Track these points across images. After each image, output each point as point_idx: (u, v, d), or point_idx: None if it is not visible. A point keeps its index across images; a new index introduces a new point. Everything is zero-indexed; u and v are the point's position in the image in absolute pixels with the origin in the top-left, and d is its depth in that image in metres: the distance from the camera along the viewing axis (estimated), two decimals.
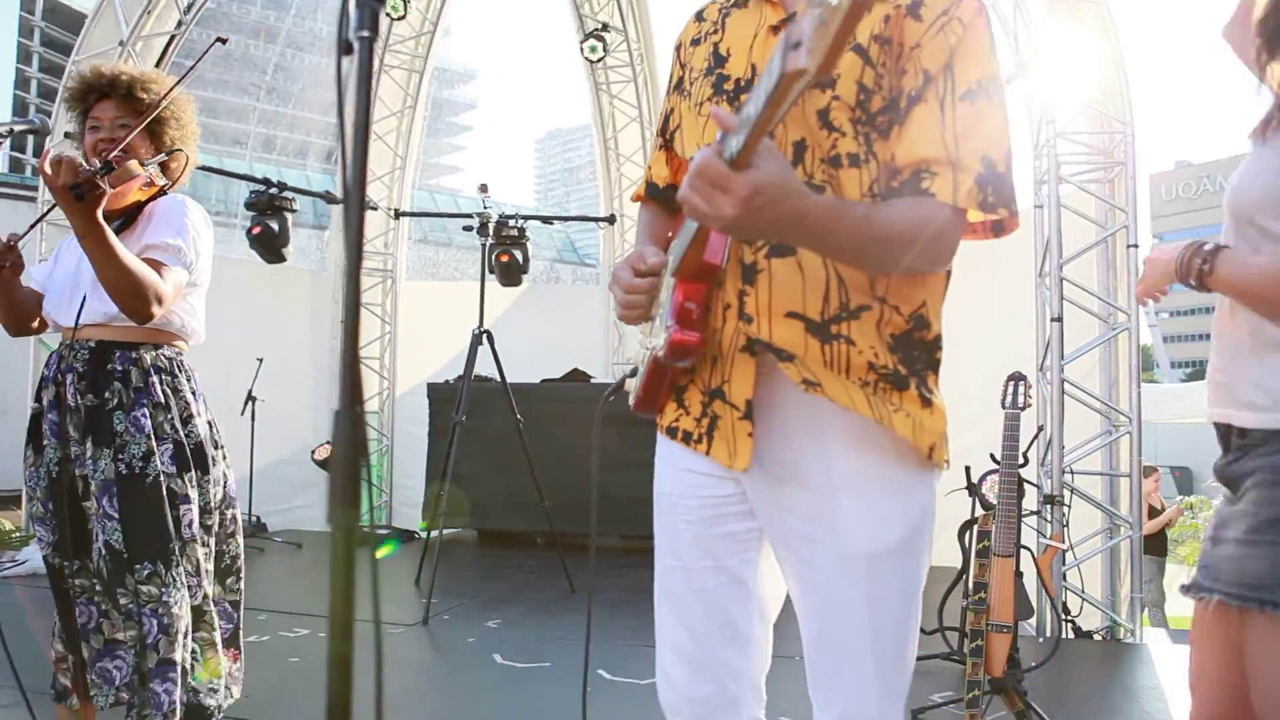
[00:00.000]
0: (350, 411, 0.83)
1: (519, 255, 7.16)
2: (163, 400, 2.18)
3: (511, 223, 7.12)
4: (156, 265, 2.11)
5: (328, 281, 7.99)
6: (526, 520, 5.99)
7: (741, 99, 1.27)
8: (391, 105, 7.89)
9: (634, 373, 1.41)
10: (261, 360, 6.64)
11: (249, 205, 6.94)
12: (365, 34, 0.84)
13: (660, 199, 1.52)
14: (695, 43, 1.42)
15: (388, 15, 6.91)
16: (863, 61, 1.19)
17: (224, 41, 2.47)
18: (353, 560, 0.83)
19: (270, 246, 6.85)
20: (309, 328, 7.82)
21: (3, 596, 4.81)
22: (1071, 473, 4.16)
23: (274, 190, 6.86)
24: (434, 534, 5.29)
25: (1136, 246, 4.18)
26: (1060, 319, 4.16)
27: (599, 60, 7.36)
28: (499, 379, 5.05)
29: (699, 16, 1.45)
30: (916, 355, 1.25)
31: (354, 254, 0.87)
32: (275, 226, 6.81)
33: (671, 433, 1.36)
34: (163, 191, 2.25)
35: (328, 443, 7.34)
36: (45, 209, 2.26)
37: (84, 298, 2.15)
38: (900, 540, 1.25)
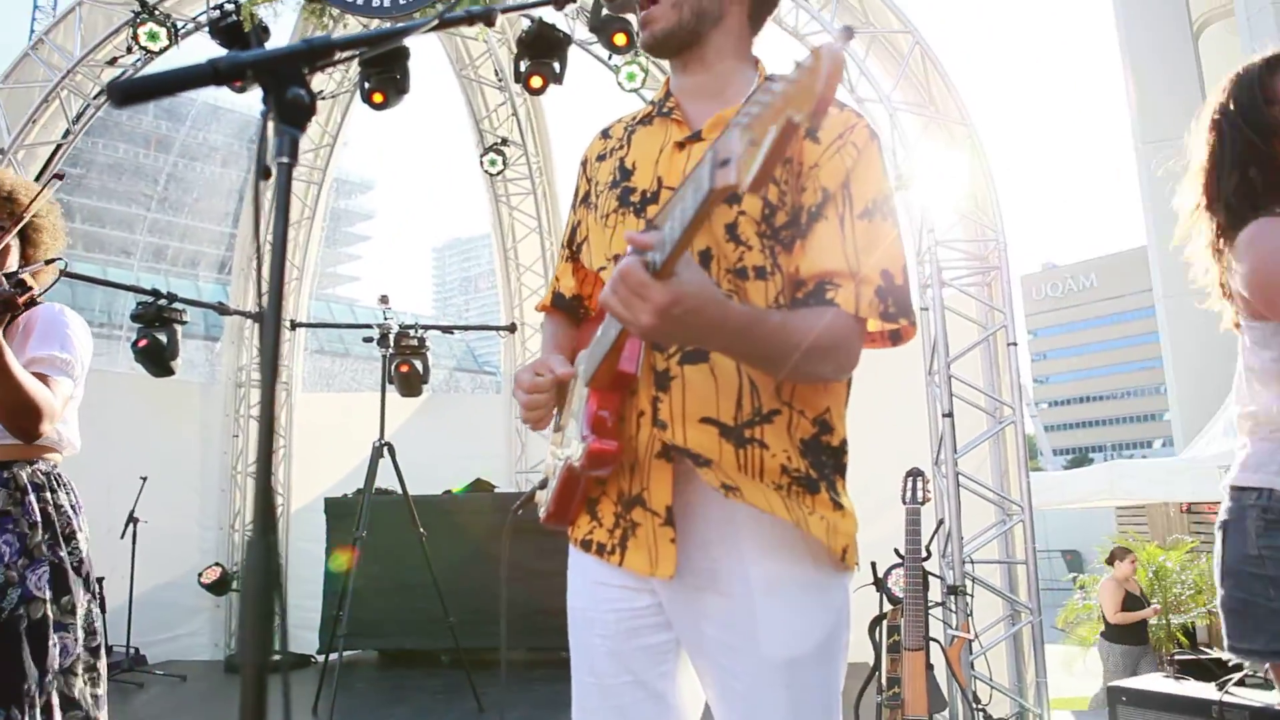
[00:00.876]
0: (264, 540, 0.80)
1: (419, 365, 7.08)
2: (39, 519, 2.05)
3: (411, 333, 7.06)
4: (44, 379, 2.03)
5: (218, 395, 7.71)
6: (431, 638, 5.75)
7: (648, 210, 1.33)
8: (290, 215, 7.81)
9: (544, 484, 1.41)
10: (145, 479, 6.30)
11: (135, 317, 6.67)
12: (285, 160, 0.85)
13: (566, 309, 1.55)
14: (600, 158, 1.47)
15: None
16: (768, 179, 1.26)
17: (60, 178, 2.42)
18: (264, 704, 0.78)
19: (157, 360, 6.58)
20: (198, 443, 7.49)
21: None
22: (971, 562, 4.28)
23: (163, 301, 6.65)
24: (332, 657, 5.03)
25: (1015, 344, 4.44)
26: (951, 414, 4.35)
27: (498, 173, 7.51)
28: (400, 491, 4.93)
29: (605, 134, 1.51)
30: (825, 460, 1.29)
31: (269, 374, 0.87)
32: (164, 339, 6.56)
33: (585, 545, 1.35)
34: (34, 300, 2.17)
35: (216, 564, 6.98)
36: None
37: None
38: (819, 644, 1.26)
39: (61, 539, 2.09)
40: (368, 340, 5.12)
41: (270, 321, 0.85)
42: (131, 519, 6.21)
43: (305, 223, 7.91)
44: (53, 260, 2.26)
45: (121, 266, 33.41)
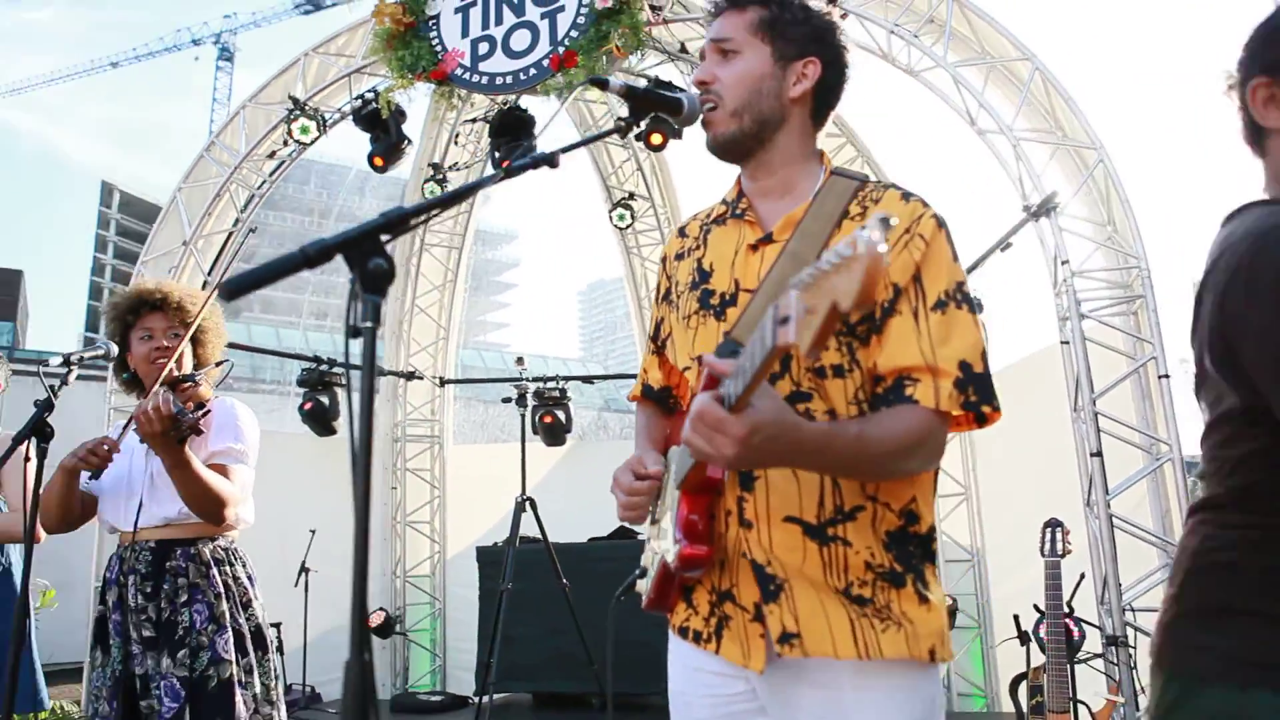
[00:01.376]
0: (359, 660, 0.91)
1: (561, 415, 7.32)
2: (222, 590, 2.33)
3: (552, 384, 7.32)
4: (224, 470, 2.32)
5: (377, 451, 8.18)
6: (580, 682, 5.87)
7: (727, 314, 1.39)
8: (434, 280, 8.30)
9: (643, 573, 1.48)
10: (314, 531, 6.75)
11: (301, 382, 7.26)
12: (369, 324, 0.97)
13: (656, 400, 1.62)
14: (679, 257, 1.55)
15: (426, 197, 7.36)
16: None
17: (254, 230, 2.75)
18: None
19: (321, 420, 7.11)
20: None
21: None
22: (1133, 610, 4.02)
23: (324, 366, 7.19)
24: (485, 699, 5.22)
25: (1168, 376, 4.18)
26: (1099, 453, 4.13)
27: (627, 227, 7.72)
28: (545, 540, 5.10)
29: (681, 233, 1.59)
30: (912, 550, 1.31)
31: (362, 511, 0.98)
32: (325, 400, 7.09)
33: (683, 633, 1.41)
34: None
35: (380, 609, 7.37)
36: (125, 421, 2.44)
37: (140, 502, 2.32)
38: None
39: (240, 607, 2.36)
40: (506, 401, 5.35)
41: (361, 460, 0.96)
42: (304, 569, 6.66)
43: (449, 285, 8.35)
44: (221, 362, 2.55)
45: (292, 327, 36.01)
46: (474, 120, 7.09)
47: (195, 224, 6.61)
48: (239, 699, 2.25)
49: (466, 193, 1.24)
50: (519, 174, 1.29)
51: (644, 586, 1.46)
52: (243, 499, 2.40)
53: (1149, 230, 4.40)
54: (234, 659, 2.28)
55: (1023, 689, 2.92)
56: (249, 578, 2.46)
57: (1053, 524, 2.89)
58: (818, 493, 1.29)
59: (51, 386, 2.19)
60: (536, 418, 7.16)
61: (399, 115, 6.26)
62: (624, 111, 1.48)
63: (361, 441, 0.96)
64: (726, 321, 1.38)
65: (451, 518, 8.15)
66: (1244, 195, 1.27)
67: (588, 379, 7.59)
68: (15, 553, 3.04)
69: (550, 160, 1.26)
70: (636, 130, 1.42)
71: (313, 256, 0.98)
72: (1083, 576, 3.80)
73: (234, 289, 0.96)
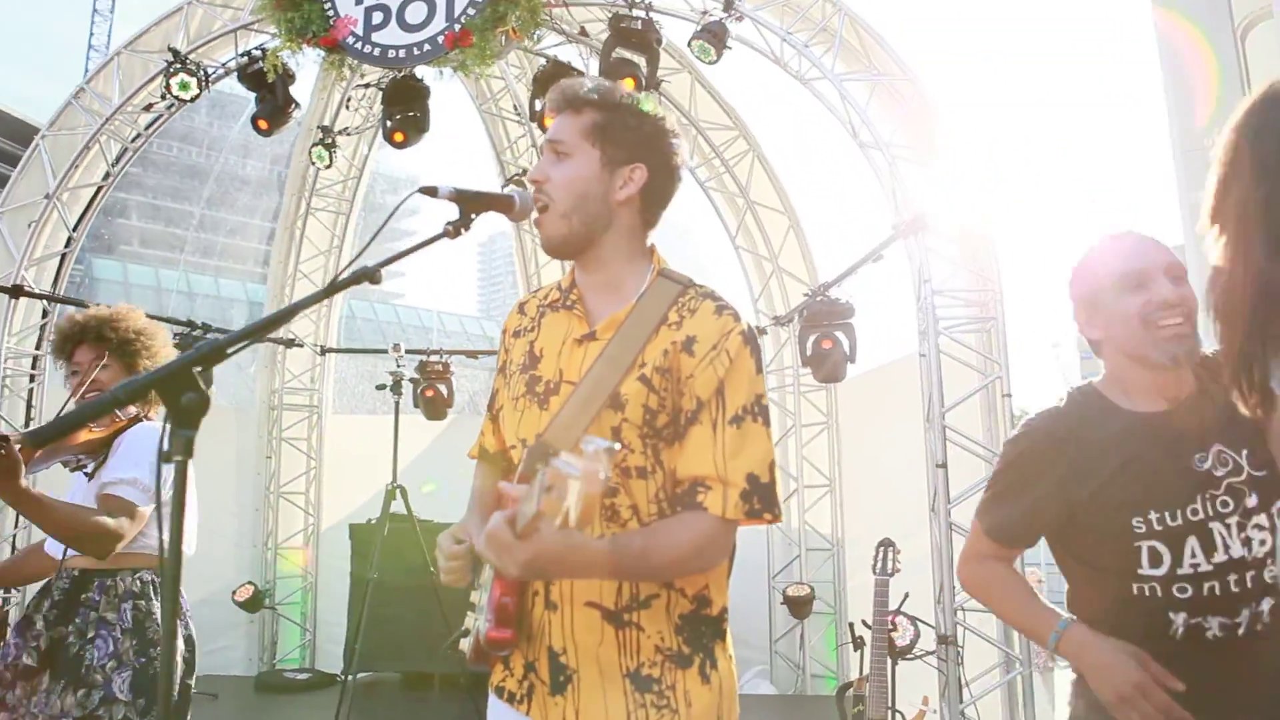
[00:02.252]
0: None
1: (444, 389, 7.28)
2: (131, 625, 2.27)
3: (435, 359, 7.27)
4: (114, 501, 2.22)
5: (253, 418, 8.00)
6: (449, 663, 5.95)
7: (550, 402, 1.47)
8: (319, 244, 8.08)
9: (466, 633, 1.56)
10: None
11: (176, 348, 7.00)
12: (179, 458, 1.01)
13: (491, 462, 1.70)
14: (516, 334, 1.62)
15: (314, 164, 7.16)
16: (647, 389, 1.41)
17: (376, 281, 2.69)
18: None
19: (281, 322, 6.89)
20: (234, 465, 7.79)
21: None
22: (964, 611, 4.34)
23: (196, 332, 6.94)
24: (350, 679, 5.25)
25: (1010, 396, 4.49)
26: (944, 465, 4.40)
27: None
28: (414, 526, 5.12)
29: (521, 309, 1.66)
30: (703, 631, 1.44)
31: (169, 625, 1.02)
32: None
33: (499, 691, 1.51)
34: (137, 419, 2.38)
35: (249, 583, 7.25)
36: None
37: None
38: None
39: (149, 644, 2.28)
40: (381, 388, 5.31)
41: (168, 591, 1.00)
42: None
43: (334, 251, 8.15)
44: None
45: (171, 266, 34.37)
46: (367, 85, 6.90)
47: (61, 175, 6.26)
48: None
49: (282, 317, 1.27)
50: (342, 290, 1.32)
51: (467, 645, 1.55)
52: (130, 531, 2.23)
53: (1005, 256, 4.68)
54: (130, 699, 2.21)
55: (844, 699, 3.15)
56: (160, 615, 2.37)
57: (885, 544, 3.11)
58: (616, 582, 1.41)
59: None
60: (418, 391, 7.12)
61: (286, 77, 6.05)
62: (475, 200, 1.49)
63: (170, 569, 0.99)
64: (549, 409, 1.47)
65: (327, 490, 8.05)
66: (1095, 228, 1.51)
67: (472, 354, 7.54)
68: None
69: (371, 276, 1.29)
70: (464, 232, 1.45)
71: (123, 399, 1.01)
72: (906, 596, 4.06)
73: (39, 440, 0.99)
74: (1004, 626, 4.54)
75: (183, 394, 1.01)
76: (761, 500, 1.40)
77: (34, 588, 2.40)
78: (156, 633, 2.31)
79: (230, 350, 1.12)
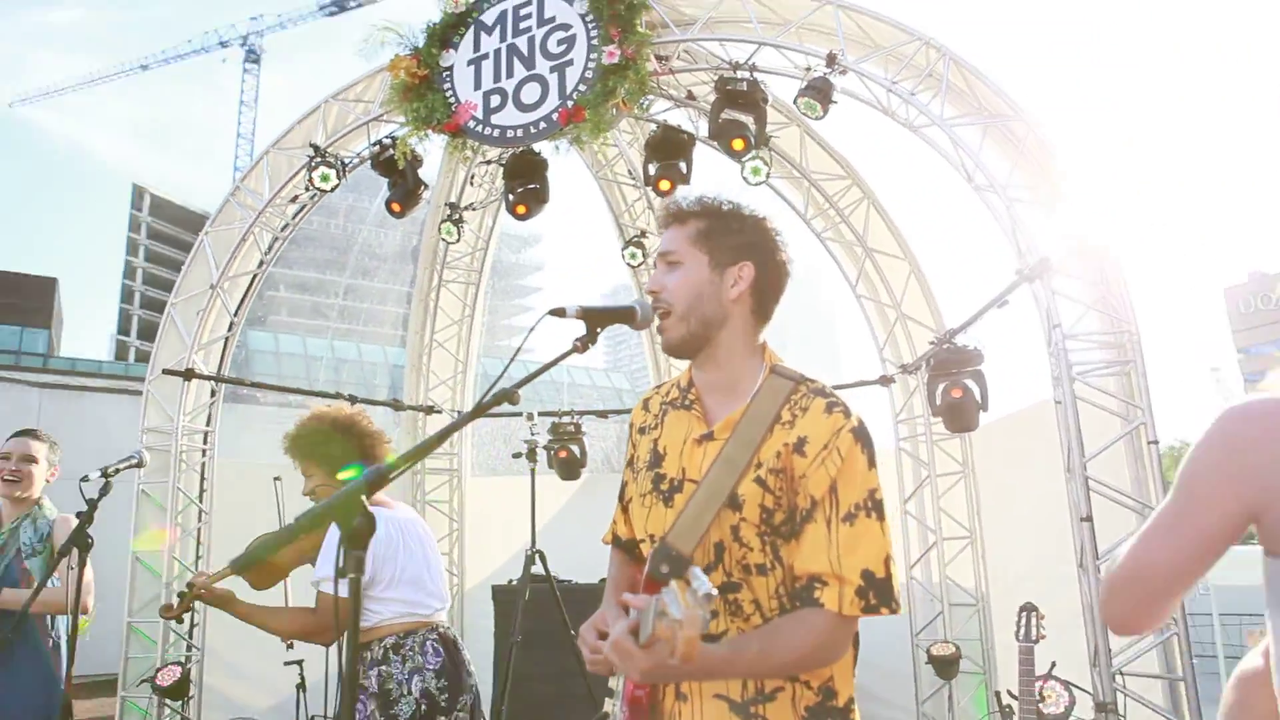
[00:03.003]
0: None
1: (576, 450, 7.46)
2: (376, 690, 2.62)
3: (567, 420, 7.46)
4: (325, 597, 2.63)
5: (398, 484, 8.39)
6: None
7: (675, 500, 1.54)
8: (452, 314, 8.48)
9: (605, 717, 1.63)
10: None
11: None
12: (353, 575, 1.13)
13: (624, 549, 1.78)
14: (642, 431, 1.71)
15: (443, 239, 7.56)
16: (763, 490, 1.47)
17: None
18: None
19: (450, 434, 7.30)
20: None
21: None
22: (1123, 675, 4.09)
23: (345, 401, 7.39)
24: None
25: (1156, 443, 4.25)
26: (1089, 518, 4.19)
27: (639, 265, 7.85)
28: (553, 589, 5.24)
29: (645, 406, 1.75)
30: None
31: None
32: None
33: None
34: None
35: None
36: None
37: None
38: None
39: (393, 703, 2.63)
40: (517, 456, 5.49)
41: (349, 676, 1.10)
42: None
43: (466, 320, 8.54)
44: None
45: (319, 335, 36.61)
46: (489, 162, 7.26)
47: (221, 267, 6.83)
48: None
49: (435, 443, 1.39)
50: (487, 411, 1.43)
51: None
52: (321, 619, 2.70)
53: (1142, 299, 4.47)
54: None
55: None
56: (414, 672, 2.70)
57: (1027, 609, 2.98)
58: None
59: (90, 499, 2.38)
60: (552, 453, 7.31)
61: (415, 162, 6.44)
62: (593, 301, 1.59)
63: (350, 651, 1.10)
64: (674, 506, 1.55)
65: (470, 550, 8.33)
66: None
67: (602, 414, 7.70)
68: (63, 623, 3.27)
69: (510, 397, 1.40)
70: (591, 346, 1.54)
71: (306, 525, 1.14)
72: (1054, 664, 3.86)
73: (240, 568, 1.12)
74: (1170, 690, 4.25)
75: (354, 519, 1.14)
76: (878, 595, 1.44)
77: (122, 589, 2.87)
78: (396, 692, 2.64)
79: (392, 476, 1.24)
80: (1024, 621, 2.96)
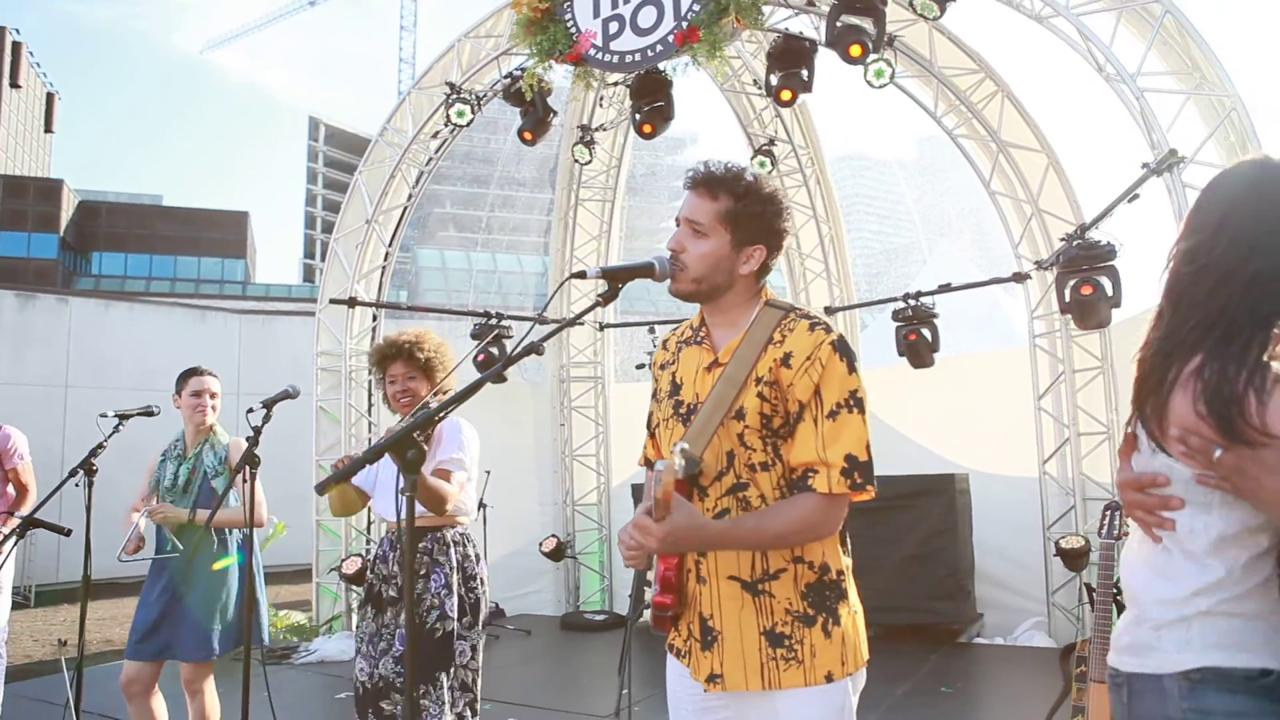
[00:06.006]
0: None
1: None
2: (456, 564, 3.06)
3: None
4: (446, 474, 3.02)
5: (546, 390, 9.02)
6: None
7: (690, 419, 1.83)
8: (590, 230, 8.87)
9: (648, 606, 1.96)
10: (489, 473, 7.64)
11: (473, 335, 8.08)
12: (408, 493, 1.49)
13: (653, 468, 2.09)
14: (662, 367, 2.01)
15: (576, 161, 7.90)
16: (760, 400, 1.75)
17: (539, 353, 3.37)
18: None
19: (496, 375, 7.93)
20: (532, 434, 8.86)
21: (298, 679, 6.00)
22: None
23: (493, 320, 7.97)
24: (633, 621, 5.92)
25: None
26: None
27: (769, 173, 7.92)
28: None
29: (664, 346, 2.06)
30: (827, 595, 1.77)
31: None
32: (495, 352, 7.89)
33: (670, 648, 1.92)
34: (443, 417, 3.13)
35: (553, 536, 8.24)
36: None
37: (400, 501, 3.06)
38: None
39: (468, 579, 3.09)
40: (640, 367, 5.84)
41: (409, 610, 1.49)
42: (481, 504, 7.59)
43: (604, 235, 8.91)
44: (439, 391, 3.19)
45: (484, 249, 38.24)
46: (615, 84, 7.46)
47: (375, 202, 7.46)
48: (456, 648, 2.98)
49: (483, 383, 1.71)
50: (515, 361, 1.74)
51: (649, 616, 1.96)
52: (458, 495, 3.05)
53: None
54: (456, 618, 2.99)
55: (1073, 658, 3.19)
56: (476, 558, 3.17)
57: (1111, 506, 3.07)
58: (751, 558, 1.77)
59: (256, 426, 2.89)
60: None
61: (543, 91, 6.75)
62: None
63: (407, 590, 1.47)
64: (690, 425, 1.82)
65: (614, 451, 8.90)
66: None
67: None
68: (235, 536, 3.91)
69: (537, 349, 1.71)
70: (614, 300, 1.83)
71: (369, 457, 1.50)
72: None
73: (324, 486, 1.51)
74: None
75: (408, 451, 1.50)
76: (862, 475, 1.71)
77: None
78: (473, 570, 3.09)
79: (439, 417, 1.59)
80: (1107, 519, 3.07)
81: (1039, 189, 6.64)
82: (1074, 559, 5.89)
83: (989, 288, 7.79)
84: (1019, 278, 6.88)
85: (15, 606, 4.87)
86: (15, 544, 3.60)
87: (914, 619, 6.49)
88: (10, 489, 4.67)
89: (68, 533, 3.44)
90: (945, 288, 7.33)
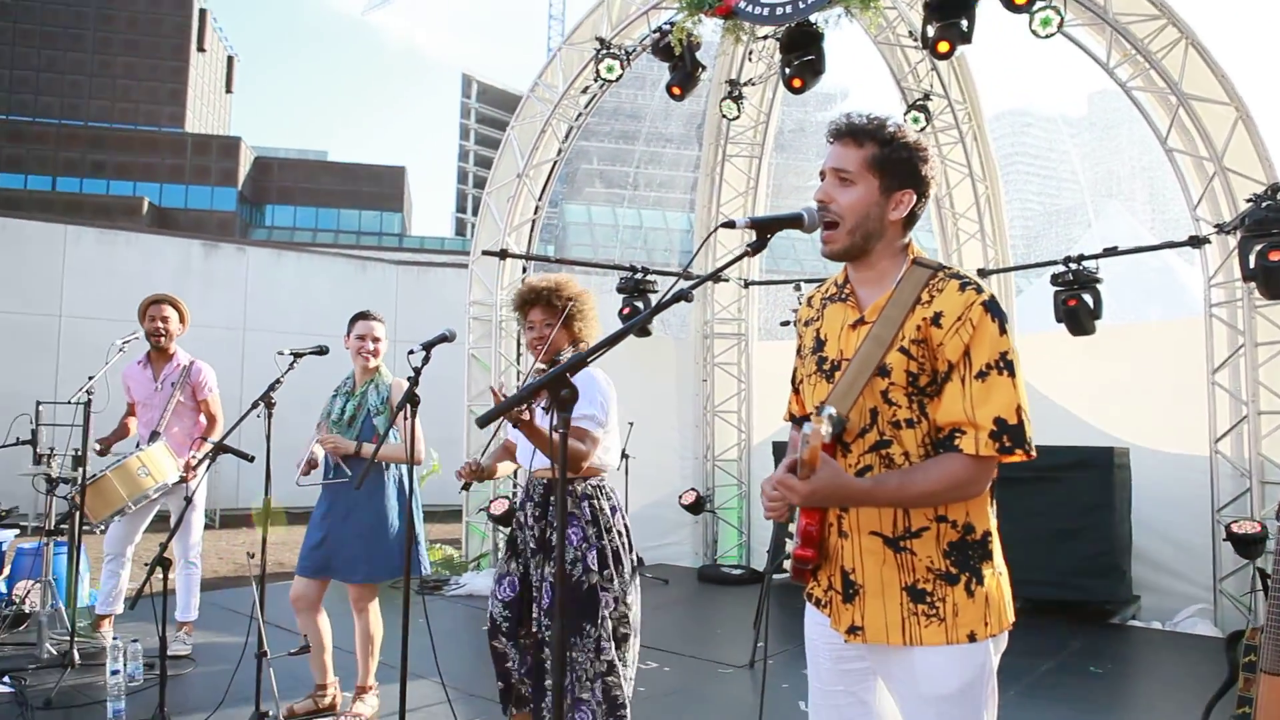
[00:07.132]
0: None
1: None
2: (590, 518, 3.13)
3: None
4: (582, 432, 3.07)
5: (689, 345, 9.09)
6: None
7: (835, 376, 1.83)
8: (736, 187, 8.81)
9: (789, 556, 1.99)
10: (632, 424, 7.80)
11: (619, 289, 8.22)
12: (561, 430, 1.56)
13: (798, 425, 2.09)
14: (807, 324, 2.02)
15: (724, 117, 7.83)
16: (907, 358, 1.73)
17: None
18: None
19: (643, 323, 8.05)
20: (675, 389, 8.96)
21: (448, 609, 6.37)
22: None
23: (639, 275, 8.08)
24: (770, 577, 5.96)
25: None
26: None
27: (922, 129, 7.62)
28: None
29: (808, 303, 2.06)
30: (970, 555, 1.75)
31: None
32: (640, 306, 8.00)
33: (809, 598, 1.94)
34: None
35: (692, 489, 8.37)
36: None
37: (534, 452, 3.16)
38: (959, 689, 1.73)
39: (604, 531, 3.13)
40: (785, 324, 5.79)
41: (559, 520, 1.57)
42: (623, 455, 7.77)
43: (750, 191, 8.83)
44: (580, 342, 3.28)
45: (631, 205, 38.59)
46: (765, 37, 7.33)
47: (526, 157, 7.66)
48: (601, 599, 3.05)
49: (634, 327, 1.76)
50: (666, 307, 1.78)
51: (789, 566, 1.98)
52: (591, 453, 3.08)
53: None
54: (598, 570, 3.06)
55: (1241, 646, 3.00)
56: (613, 509, 3.20)
57: None
58: (893, 515, 1.76)
59: (416, 367, 3.05)
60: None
61: (692, 46, 6.72)
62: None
63: (559, 536, 1.55)
64: (834, 382, 1.82)
65: (756, 409, 8.90)
66: None
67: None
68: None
69: (686, 296, 1.74)
70: (763, 250, 1.84)
71: (525, 396, 1.58)
72: None
73: (485, 421, 1.60)
74: None
75: (560, 389, 1.57)
76: (1012, 439, 1.66)
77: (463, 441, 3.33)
78: (608, 522, 3.11)
79: (590, 359, 1.65)
80: None
81: (1224, 145, 6.12)
82: (1248, 546, 5.49)
83: (1162, 253, 7.28)
84: (1196, 242, 6.39)
85: (204, 527, 5.40)
86: (209, 467, 3.98)
87: (1061, 594, 6.24)
88: (202, 419, 5.13)
89: (252, 459, 3.76)
90: (1111, 251, 6.89)
